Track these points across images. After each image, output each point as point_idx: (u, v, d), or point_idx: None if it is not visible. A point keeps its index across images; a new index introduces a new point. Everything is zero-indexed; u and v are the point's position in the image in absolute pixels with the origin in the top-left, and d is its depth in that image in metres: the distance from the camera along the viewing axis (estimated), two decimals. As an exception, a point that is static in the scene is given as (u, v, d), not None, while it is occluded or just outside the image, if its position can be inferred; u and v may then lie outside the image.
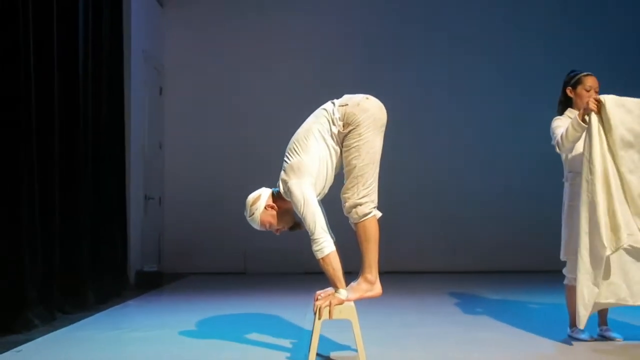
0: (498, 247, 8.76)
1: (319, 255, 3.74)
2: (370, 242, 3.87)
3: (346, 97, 4.00)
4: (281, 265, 8.63)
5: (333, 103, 3.99)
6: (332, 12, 8.88)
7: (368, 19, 8.97)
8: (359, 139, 3.85)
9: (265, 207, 3.93)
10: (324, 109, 3.99)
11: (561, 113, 4.61)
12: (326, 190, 3.99)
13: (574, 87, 4.58)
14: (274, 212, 3.95)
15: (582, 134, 4.27)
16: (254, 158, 8.78)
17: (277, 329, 4.91)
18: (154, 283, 7.47)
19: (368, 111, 3.88)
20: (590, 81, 4.54)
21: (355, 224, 3.87)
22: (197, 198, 8.83)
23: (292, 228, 4.05)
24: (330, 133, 3.91)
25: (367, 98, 3.96)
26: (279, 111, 8.58)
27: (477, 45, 9.02)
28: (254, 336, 4.66)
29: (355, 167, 3.85)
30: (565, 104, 4.62)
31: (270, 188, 4.01)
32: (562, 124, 4.47)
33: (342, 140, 3.91)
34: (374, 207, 3.88)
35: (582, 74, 4.59)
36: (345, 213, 3.90)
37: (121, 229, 6.96)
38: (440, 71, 9.01)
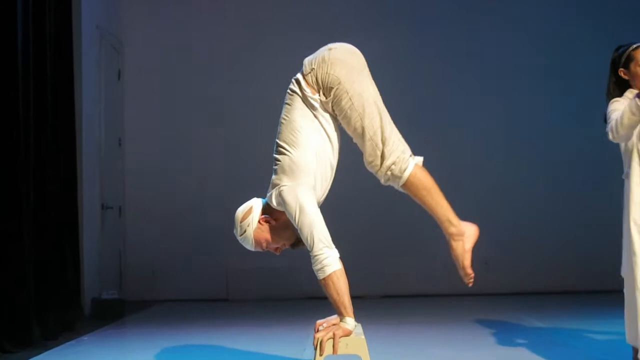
0: (539, 264, 8.81)
1: (321, 276, 3.73)
2: (431, 190, 3.94)
3: (307, 62, 4.02)
4: (273, 289, 8.63)
5: (297, 80, 4.00)
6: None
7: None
8: (347, 97, 3.88)
9: (259, 222, 3.92)
10: (292, 91, 4.01)
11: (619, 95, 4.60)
12: (329, 187, 4.00)
13: (626, 66, 4.56)
14: (271, 227, 3.93)
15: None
16: (236, 157, 8.84)
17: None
18: (114, 313, 7.45)
19: (340, 61, 3.91)
20: None
21: (404, 185, 3.91)
22: (167, 207, 8.82)
23: (294, 245, 4.02)
24: (314, 114, 3.93)
25: (330, 49, 3.98)
26: (265, 100, 8.50)
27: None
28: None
29: (362, 128, 3.88)
30: (620, 87, 4.58)
31: (262, 199, 4.00)
32: (620, 106, 4.44)
33: (332, 109, 3.94)
34: (410, 156, 3.93)
35: (631, 47, 4.56)
36: (384, 183, 3.95)
37: (73, 248, 6.92)
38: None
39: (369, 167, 3.93)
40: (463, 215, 9.05)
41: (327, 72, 3.90)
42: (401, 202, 8.56)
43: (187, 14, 9.04)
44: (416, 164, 3.91)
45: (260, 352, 5.48)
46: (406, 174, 3.87)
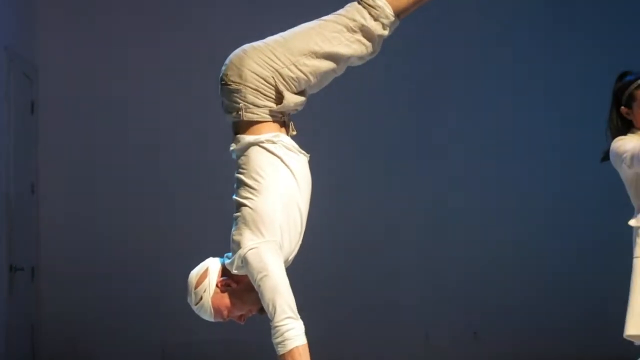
0: (534, 331, 8.91)
1: (280, 351, 3.68)
2: None
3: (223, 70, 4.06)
4: (218, 365, 8.56)
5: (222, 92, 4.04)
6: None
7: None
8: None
9: (217, 286, 3.88)
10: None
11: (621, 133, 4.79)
12: (300, 241, 3.98)
13: (629, 104, 4.75)
14: (231, 292, 3.90)
15: None
16: (173, 205, 8.86)
17: None
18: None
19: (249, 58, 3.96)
20: None
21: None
22: (91, 269, 8.76)
23: (262, 310, 3.92)
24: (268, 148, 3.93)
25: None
26: (202, 134, 8.64)
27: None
28: None
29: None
30: (624, 125, 4.80)
31: (219, 258, 3.98)
32: (629, 141, 4.66)
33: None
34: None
35: (634, 85, 4.76)
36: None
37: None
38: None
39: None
40: (451, 277, 9.04)
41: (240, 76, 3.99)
42: (370, 259, 8.73)
43: (118, 28, 9.08)
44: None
45: None
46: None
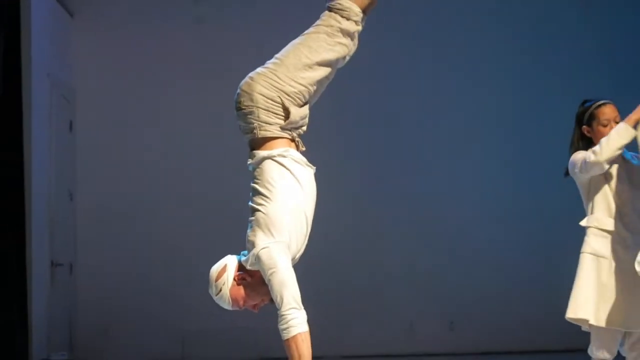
0: (506, 322, 8.80)
1: (285, 336, 3.71)
2: None
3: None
4: (231, 349, 8.53)
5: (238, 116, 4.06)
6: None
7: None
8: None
9: (234, 280, 3.91)
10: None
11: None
12: (305, 242, 4.01)
13: (589, 123, 4.72)
14: (246, 284, 3.93)
15: (628, 142, 4.45)
16: (196, 211, 8.80)
17: None
18: (64, 377, 7.37)
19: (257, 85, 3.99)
20: (607, 112, 4.68)
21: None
22: (120, 264, 8.72)
23: (273, 300, 3.93)
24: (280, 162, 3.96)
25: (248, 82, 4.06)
26: (224, 149, 8.60)
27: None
28: None
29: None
30: (584, 144, 4.72)
31: (236, 255, 4.01)
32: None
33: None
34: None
35: (594, 106, 4.73)
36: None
37: (20, 307, 6.85)
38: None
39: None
40: (424, 274, 8.93)
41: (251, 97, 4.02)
42: (364, 259, 8.73)
43: (143, 58, 9.01)
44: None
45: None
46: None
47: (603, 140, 4.47)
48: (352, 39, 4.10)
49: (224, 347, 8.57)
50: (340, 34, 4.06)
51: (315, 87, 4.07)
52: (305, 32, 4.09)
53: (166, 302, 8.65)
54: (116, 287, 8.70)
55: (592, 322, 4.51)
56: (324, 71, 4.07)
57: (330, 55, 4.06)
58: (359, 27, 4.10)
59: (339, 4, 4.05)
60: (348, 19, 4.05)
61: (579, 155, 4.61)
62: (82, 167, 8.88)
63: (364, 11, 4.09)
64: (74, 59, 8.90)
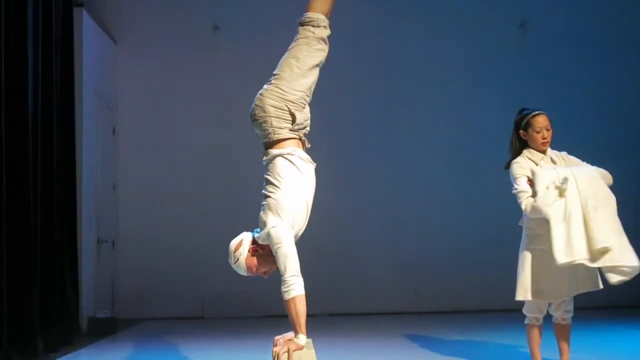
0: (461, 286, 8.73)
1: (286, 297, 3.76)
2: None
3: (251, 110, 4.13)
4: (240, 309, 8.55)
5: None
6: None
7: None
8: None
9: (249, 252, 3.96)
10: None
11: (518, 153, 4.72)
12: (306, 223, 4.04)
13: (525, 129, 4.69)
14: (258, 255, 3.97)
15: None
16: (212, 201, 8.77)
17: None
18: (108, 330, 7.36)
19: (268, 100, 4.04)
20: (540, 121, 4.64)
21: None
22: (153, 241, 8.70)
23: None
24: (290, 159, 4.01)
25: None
26: (236, 151, 8.62)
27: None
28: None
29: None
30: (520, 145, 4.72)
31: (250, 232, 4.04)
32: (523, 171, 4.61)
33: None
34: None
35: (531, 115, 4.69)
36: None
37: (72, 274, 6.86)
38: (404, 110, 9.10)
39: None
40: (396, 255, 8.83)
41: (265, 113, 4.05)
42: (348, 238, 8.75)
43: (174, 75, 8.95)
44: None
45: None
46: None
47: (537, 205, 4.42)
48: (325, 43, 4.14)
49: (234, 306, 8.60)
50: (315, 42, 4.09)
51: (310, 90, 4.11)
52: (289, 47, 4.13)
53: (189, 270, 8.64)
54: (149, 259, 8.69)
55: (536, 300, 4.54)
56: (313, 76, 4.11)
57: (314, 60, 4.10)
58: (328, 31, 4.15)
59: (308, 17, 4.11)
60: (318, 27, 4.09)
61: (519, 181, 4.59)
62: (123, 163, 8.86)
63: (326, 16, 4.14)
64: (116, 77, 8.86)
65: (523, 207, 4.54)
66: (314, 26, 4.09)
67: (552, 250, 4.32)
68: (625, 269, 4.30)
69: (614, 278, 4.32)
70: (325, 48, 4.15)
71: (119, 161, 8.87)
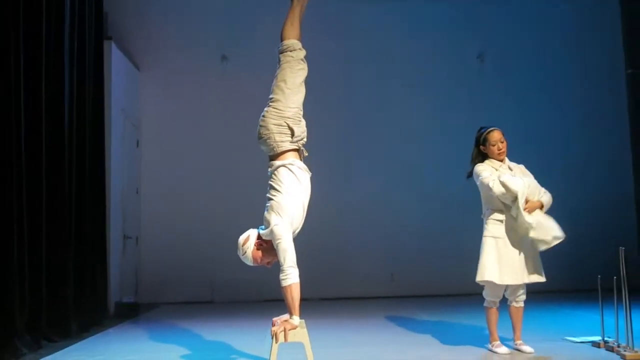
0: (430, 274, 8.71)
1: (283, 284, 3.76)
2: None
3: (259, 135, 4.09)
4: (244, 294, 8.52)
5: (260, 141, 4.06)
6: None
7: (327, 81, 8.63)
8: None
9: (255, 245, 3.96)
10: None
11: (481, 162, 4.74)
12: (302, 221, 4.02)
13: (484, 144, 4.73)
14: (263, 249, 3.97)
15: (511, 200, 4.48)
16: (220, 202, 8.73)
17: (239, 352, 4.88)
18: (131, 313, 7.33)
19: (269, 122, 4.02)
20: (495, 136, 4.68)
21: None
22: (170, 237, 8.67)
23: None
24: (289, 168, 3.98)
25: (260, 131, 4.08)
26: (240, 161, 8.58)
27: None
28: (220, 358, 4.62)
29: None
30: (482, 156, 4.75)
31: (256, 229, 4.03)
32: (486, 169, 4.64)
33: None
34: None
35: (486, 131, 4.72)
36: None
37: (102, 265, 6.83)
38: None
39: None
40: (377, 248, 8.81)
41: (267, 136, 4.05)
42: (335, 232, 8.74)
43: (187, 98, 8.93)
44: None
45: (233, 339, 5.46)
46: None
47: (505, 186, 4.47)
48: (304, 62, 4.12)
49: (239, 291, 8.55)
50: (296, 63, 4.08)
51: (301, 105, 4.09)
52: (276, 74, 4.11)
53: (201, 262, 8.59)
54: (166, 252, 8.64)
55: (496, 282, 4.52)
56: (302, 92, 4.09)
57: (299, 79, 4.08)
58: (304, 51, 4.13)
59: (285, 45, 4.09)
60: (294, 50, 4.08)
61: (484, 174, 4.60)
62: (145, 171, 8.83)
63: (298, 39, 4.12)
64: (139, 99, 8.84)
65: (492, 185, 4.53)
66: (291, 51, 4.09)
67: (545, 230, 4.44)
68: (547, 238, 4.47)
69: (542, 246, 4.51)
70: (305, 67, 4.13)
71: (141, 169, 8.84)
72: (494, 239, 4.57)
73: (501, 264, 4.53)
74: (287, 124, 4.00)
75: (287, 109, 4.02)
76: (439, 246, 8.81)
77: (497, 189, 4.53)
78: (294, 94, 4.05)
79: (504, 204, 4.58)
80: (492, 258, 4.54)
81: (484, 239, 4.62)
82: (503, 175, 4.55)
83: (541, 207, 4.54)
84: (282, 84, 4.06)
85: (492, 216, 4.62)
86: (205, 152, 8.89)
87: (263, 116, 4.08)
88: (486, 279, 4.53)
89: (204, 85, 8.97)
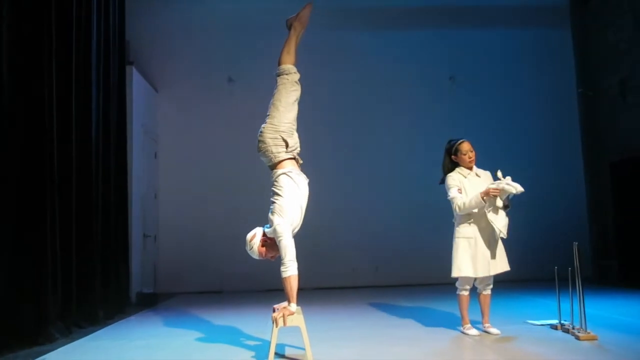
0: (410, 266, 8.69)
1: (283, 275, 3.74)
2: None
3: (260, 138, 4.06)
4: (249, 284, 8.48)
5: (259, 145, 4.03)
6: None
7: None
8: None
9: (260, 242, 3.93)
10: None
11: (450, 172, 4.66)
12: (301, 221, 3.97)
13: (455, 154, 4.62)
14: (267, 245, 3.94)
15: (480, 207, 4.40)
16: (228, 205, 8.70)
17: (245, 335, 4.87)
18: (151, 302, 7.28)
19: (266, 136, 4.00)
20: (465, 147, 4.61)
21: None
22: (184, 235, 8.65)
23: None
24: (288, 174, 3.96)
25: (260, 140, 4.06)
26: (246, 168, 8.54)
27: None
28: (228, 340, 4.60)
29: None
30: (452, 164, 4.67)
31: (261, 227, 4.00)
32: (454, 182, 4.57)
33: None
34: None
35: (457, 142, 4.62)
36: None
37: (125, 260, 6.80)
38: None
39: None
40: (362, 242, 8.70)
41: (266, 142, 4.03)
42: (327, 230, 8.73)
43: (199, 115, 8.90)
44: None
45: (240, 323, 5.43)
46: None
47: (465, 203, 4.40)
48: (298, 84, 4.09)
49: (244, 282, 8.51)
50: (290, 85, 4.05)
51: (295, 120, 4.07)
52: (273, 94, 4.08)
53: (211, 257, 8.57)
54: (182, 248, 8.62)
55: (471, 276, 4.48)
56: (294, 110, 4.07)
57: (292, 98, 4.05)
58: (298, 74, 4.10)
59: (281, 69, 4.07)
60: (290, 74, 4.06)
61: (452, 190, 4.51)
62: (162, 179, 8.80)
63: (293, 63, 4.10)
64: (157, 116, 8.83)
65: (455, 207, 4.51)
66: (287, 74, 4.07)
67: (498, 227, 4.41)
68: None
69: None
70: (298, 88, 4.11)
71: (159, 177, 8.82)
72: (466, 239, 4.53)
73: (475, 260, 4.49)
74: (282, 136, 3.98)
75: (281, 124, 4.00)
76: (417, 243, 8.79)
77: (458, 209, 4.49)
78: (287, 111, 4.03)
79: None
80: (467, 256, 4.50)
81: (457, 240, 4.55)
82: (459, 199, 4.47)
83: (505, 207, 4.53)
84: (277, 103, 4.04)
85: (461, 220, 4.59)
86: (215, 162, 8.88)
87: (261, 132, 4.07)
88: (463, 274, 4.51)
89: (213, 104, 8.97)
